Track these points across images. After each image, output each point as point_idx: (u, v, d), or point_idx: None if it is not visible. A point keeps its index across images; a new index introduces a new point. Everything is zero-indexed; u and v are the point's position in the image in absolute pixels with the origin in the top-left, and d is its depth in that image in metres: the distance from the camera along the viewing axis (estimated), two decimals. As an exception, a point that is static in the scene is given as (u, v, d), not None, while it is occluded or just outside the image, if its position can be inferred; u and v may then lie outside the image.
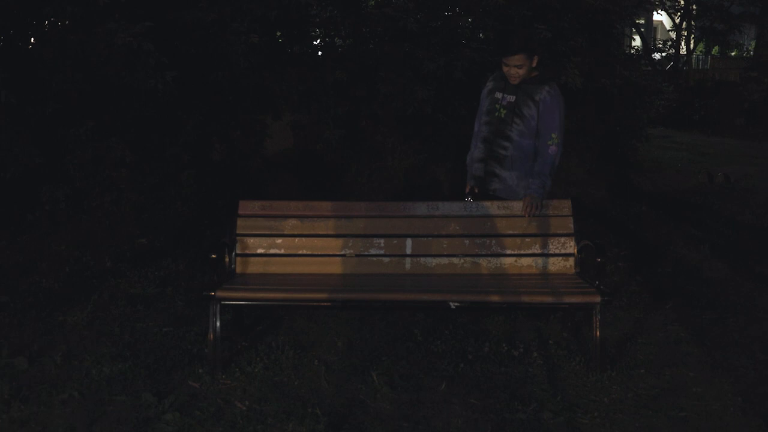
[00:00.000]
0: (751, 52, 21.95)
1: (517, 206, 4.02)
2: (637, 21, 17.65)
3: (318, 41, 7.47)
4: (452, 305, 3.50)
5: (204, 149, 6.57)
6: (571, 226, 3.97)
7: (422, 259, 3.98)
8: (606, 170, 8.45)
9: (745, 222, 6.86)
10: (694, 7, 20.02)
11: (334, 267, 3.97)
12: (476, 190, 4.18)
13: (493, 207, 4.03)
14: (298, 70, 6.60)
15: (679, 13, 20.27)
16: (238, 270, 3.94)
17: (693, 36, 21.28)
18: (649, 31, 25.16)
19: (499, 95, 4.06)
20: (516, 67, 3.93)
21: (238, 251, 3.95)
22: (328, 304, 3.63)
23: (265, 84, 6.48)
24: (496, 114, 4.05)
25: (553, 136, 3.92)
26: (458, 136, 7.17)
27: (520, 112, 3.96)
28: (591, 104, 7.90)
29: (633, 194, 7.99)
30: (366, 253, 3.99)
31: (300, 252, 3.99)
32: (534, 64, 3.97)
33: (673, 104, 13.37)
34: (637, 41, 17.41)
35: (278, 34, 7.05)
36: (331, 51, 7.34)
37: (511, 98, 4.00)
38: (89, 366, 3.52)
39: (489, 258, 3.98)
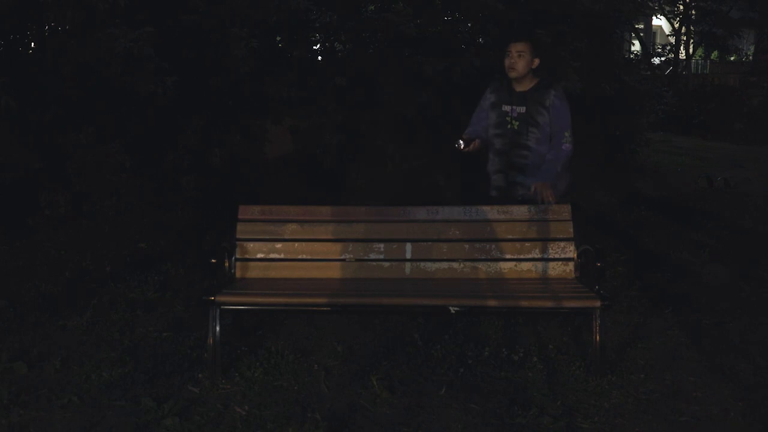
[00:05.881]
0: (750, 57, 22.00)
1: (516, 211, 4.03)
2: (637, 26, 17.68)
3: (318, 46, 7.48)
4: (452, 310, 3.49)
5: (204, 154, 6.57)
6: (571, 230, 3.97)
7: (422, 264, 3.98)
8: (606, 175, 8.46)
9: (744, 226, 6.86)
10: (693, 12, 20.07)
11: (334, 271, 3.97)
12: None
13: (492, 211, 4.04)
14: (298, 75, 6.61)
15: (678, 18, 20.33)
16: (238, 275, 3.93)
17: (692, 41, 21.34)
18: (649, 35, 25.20)
19: (507, 108, 4.14)
20: (517, 54, 4.02)
21: (237, 256, 3.95)
22: (328, 308, 3.63)
23: (265, 89, 6.49)
24: (509, 126, 4.13)
25: (566, 134, 4.03)
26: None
27: (534, 121, 4.05)
28: (591, 109, 7.92)
29: (633, 198, 7.99)
30: (366, 257, 3.98)
31: (300, 256, 3.98)
32: (534, 66, 4.06)
33: (673, 109, 13.40)
34: (636, 46, 17.45)
35: (278, 38, 7.07)
36: (331, 56, 7.35)
37: (521, 109, 4.08)
38: (89, 371, 3.52)
39: (489, 262, 3.97)
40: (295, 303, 3.63)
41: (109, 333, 4.02)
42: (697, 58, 23.95)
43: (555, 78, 4.66)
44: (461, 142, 4.11)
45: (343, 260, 3.98)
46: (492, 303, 3.57)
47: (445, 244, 3.99)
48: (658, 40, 27.16)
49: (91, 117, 5.99)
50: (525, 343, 3.95)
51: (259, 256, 3.98)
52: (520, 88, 4.11)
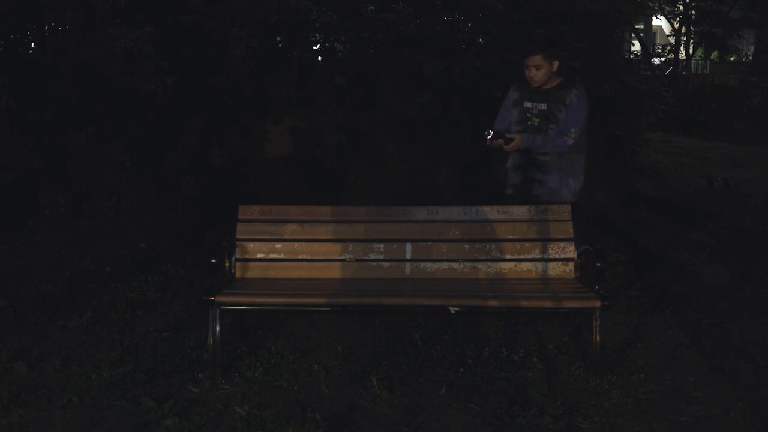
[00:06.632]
0: (750, 57, 22.01)
1: (516, 211, 4.03)
2: (637, 26, 17.68)
3: (318, 46, 7.49)
4: (452, 310, 3.49)
5: (204, 154, 6.57)
6: (571, 230, 3.97)
7: (422, 264, 3.98)
8: (606, 175, 8.45)
9: (744, 226, 6.86)
10: (693, 12, 20.07)
11: (334, 272, 3.97)
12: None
13: (492, 212, 4.04)
14: (298, 75, 6.61)
15: (678, 18, 20.33)
16: (238, 275, 3.94)
17: (692, 41, 21.34)
18: (649, 36, 25.21)
19: (528, 104, 4.19)
20: (535, 68, 4.09)
21: (237, 256, 3.95)
22: (328, 308, 3.63)
23: (265, 89, 6.49)
24: (529, 123, 4.17)
25: (572, 130, 4.06)
26: (458, 141, 7.19)
27: (554, 118, 4.10)
28: (591, 109, 7.91)
29: (633, 198, 7.99)
30: (366, 257, 3.98)
31: (300, 257, 3.98)
32: (554, 69, 4.12)
33: (673, 109, 13.41)
34: (636, 46, 17.47)
35: (278, 38, 7.07)
36: (331, 56, 7.35)
37: (542, 106, 4.13)
38: (89, 371, 3.52)
39: (489, 263, 3.97)
40: (295, 303, 3.63)
41: (109, 333, 4.02)
42: (697, 58, 23.96)
43: (578, 77, 4.69)
44: (491, 131, 4.05)
45: (343, 260, 3.98)
46: (492, 303, 3.57)
47: (445, 244, 3.99)
48: (658, 40, 27.16)
49: (91, 117, 5.99)
50: (525, 343, 3.95)
51: (259, 256, 3.98)
52: (543, 86, 4.16)
